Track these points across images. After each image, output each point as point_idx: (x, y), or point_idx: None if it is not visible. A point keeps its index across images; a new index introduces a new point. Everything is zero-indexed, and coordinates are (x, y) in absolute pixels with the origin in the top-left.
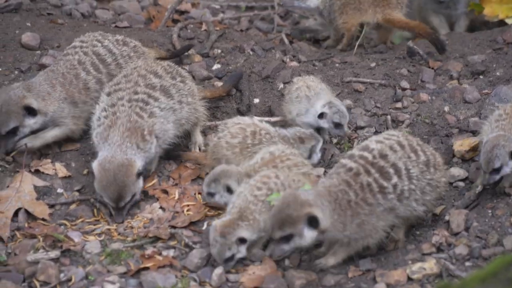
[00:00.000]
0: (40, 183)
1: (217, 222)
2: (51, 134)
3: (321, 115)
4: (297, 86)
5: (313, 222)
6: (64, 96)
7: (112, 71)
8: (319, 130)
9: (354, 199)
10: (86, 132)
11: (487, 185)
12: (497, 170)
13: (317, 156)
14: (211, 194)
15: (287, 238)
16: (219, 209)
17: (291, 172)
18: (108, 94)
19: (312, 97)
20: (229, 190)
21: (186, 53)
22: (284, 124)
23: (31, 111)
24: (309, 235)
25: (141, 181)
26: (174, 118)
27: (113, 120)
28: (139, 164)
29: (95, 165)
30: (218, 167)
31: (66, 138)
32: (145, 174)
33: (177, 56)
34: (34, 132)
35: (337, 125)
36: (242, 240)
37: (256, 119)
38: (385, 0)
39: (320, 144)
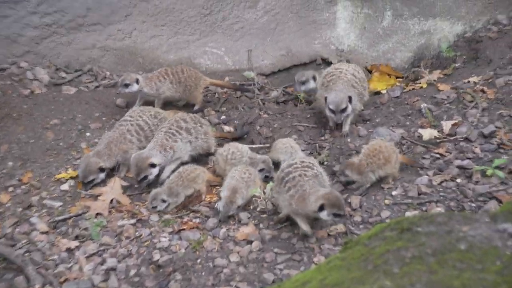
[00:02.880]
0: (124, 183)
1: (224, 194)
2: None
3: None
4: (284, 144)
5: None
6: (163, 151)
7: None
8: None
9: None
10: None
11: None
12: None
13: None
14: (154, 207)
15: None
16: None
17: (194, 183)
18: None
19: (292, 152)
20: (163, 201)
21: (203, 111)
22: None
23: (153, 165)
24: None
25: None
26: (190, 146)
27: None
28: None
29: None
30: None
31: None
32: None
33: (240, 137)
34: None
35: None
36: (239, 206)
37: (243, 146)
38: None
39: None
